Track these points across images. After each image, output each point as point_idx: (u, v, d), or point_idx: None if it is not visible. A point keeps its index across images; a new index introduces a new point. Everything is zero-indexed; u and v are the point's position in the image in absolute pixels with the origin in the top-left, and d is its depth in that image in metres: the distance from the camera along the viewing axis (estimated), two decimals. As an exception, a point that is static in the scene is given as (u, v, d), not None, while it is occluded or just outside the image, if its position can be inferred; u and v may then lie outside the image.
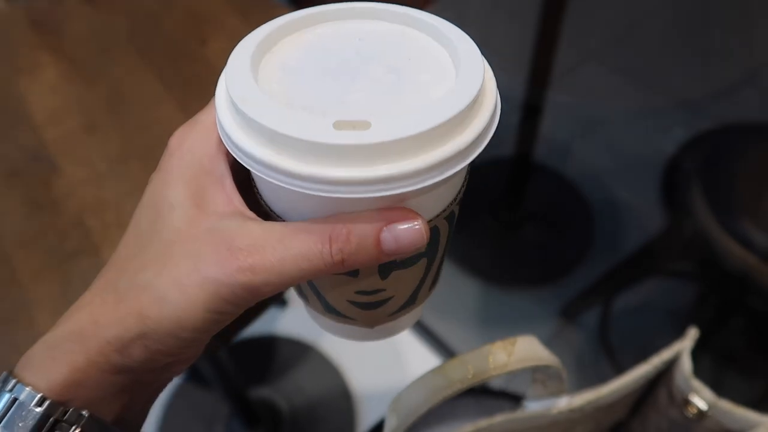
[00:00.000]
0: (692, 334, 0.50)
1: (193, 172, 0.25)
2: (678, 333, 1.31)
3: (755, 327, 1.10)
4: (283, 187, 0.23)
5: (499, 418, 0.47)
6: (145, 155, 0.65)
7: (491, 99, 0.25)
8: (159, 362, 0.25)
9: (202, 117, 0.27)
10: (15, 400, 0.23)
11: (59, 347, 0.24)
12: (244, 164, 0.24)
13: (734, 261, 0.92)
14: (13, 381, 0.23)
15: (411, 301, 0.30)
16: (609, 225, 1.38)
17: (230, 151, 0.24)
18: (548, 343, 1.24)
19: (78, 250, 0.57)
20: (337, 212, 0.24)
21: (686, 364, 0.49)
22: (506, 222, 1.41)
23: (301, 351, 1.22)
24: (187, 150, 0.26)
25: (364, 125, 0.22)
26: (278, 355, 1.23)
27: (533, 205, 1.43)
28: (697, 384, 0.48)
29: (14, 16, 0.78)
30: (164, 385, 0.28)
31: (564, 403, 0.48)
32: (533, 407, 0.48)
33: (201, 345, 0.26)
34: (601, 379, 0.49)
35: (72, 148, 0.66)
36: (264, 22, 0.27)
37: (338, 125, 0.22)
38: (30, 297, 0.54)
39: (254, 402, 1.16)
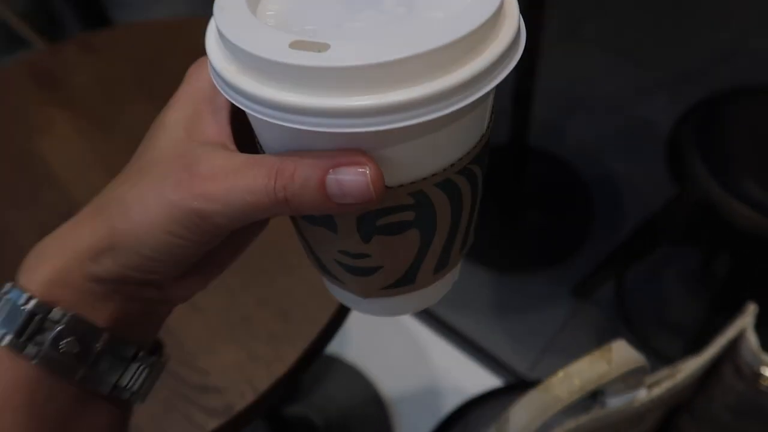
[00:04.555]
0: (751, 310, 0.52)
1: (195, 98, 0.25)
2: (692, 296, 1.34)
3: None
4: (250, 114, 0.22)
5: (584, 418, 0.49)
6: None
7: (503, 39, 0.21)
8: (131, 277, 0.25)
9: None
10: (8, 300, 0.24)
11: (45, 252, 0.25)
12: (212, 78, 0.23)
13: (740, 220, 0.95)
14: (10, 285, 0.25)
15: (408, 280, 0.27)
16: (609, 201, 1.41)
17: (208, 68, 0.23)
18: (566, 322, 1.27)
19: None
20: (300, 149, 0.22)
21: (752, 339, 0.50)
22: (508, 208, 1.43)
23: (328, 363, 1.23)
24: (197, 79, 0.26)
25: (323, 47, 0.19)
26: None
27: (532, 188, 1.46)
28: (767, 358, 0.50)
29: (16, 73, 0.77)
30: (159, 309, 0.28)
31: (644, 394, 0.49)
32: (615, 403, 0.49)
33: (170, 269, 0.25)
34: None
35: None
36: None
37: (296, 44, 0.20)
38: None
39: (289, 419, 1.16)
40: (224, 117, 0.25)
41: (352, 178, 0.21)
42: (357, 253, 0.25)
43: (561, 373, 0.38)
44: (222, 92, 0.22)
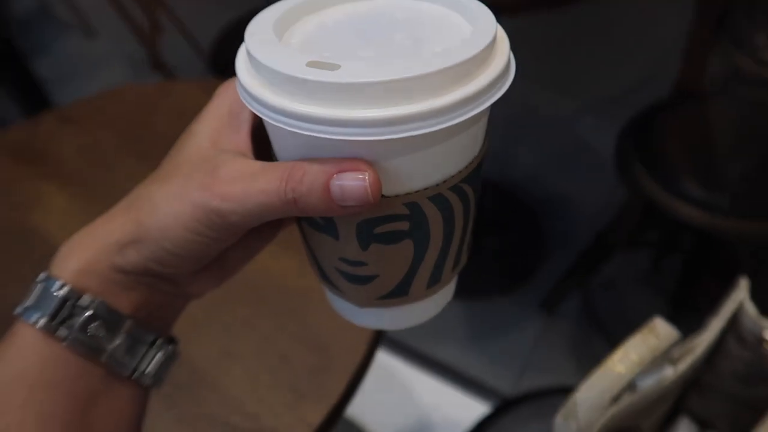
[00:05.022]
0: (744, 284, 0.58)
1: (222, 112, 0.29)
2: (651, 295, 1.42)
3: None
4: (268, 122, 0.24)
5: (624, 402, 0.52)
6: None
7: (494, 68, 0.24)
8: (153, 270, 0.27)
9: None
10: (43, 287, 0.27)
11: (77, 244, 0.28)
12: (239, 94, 0.26)
13: (683, 217, 1.04)
14: (45, 274, 0.27)
15: (402, 291, 0.29)
16: (558, 219, 1.49)
17: (236, 83, 0.26)
18: (539, 338, 1.32)
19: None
20: (309, 156, 0.25)
21: (751, 308, 0.56)
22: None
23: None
24: (225, 96, 0.29)
25: (334, 67, 0.23)
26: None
27: (486, 217, 1.52)
28: (767, 323, 0.55)
29: (-6, 152, 0.75)
30: (176, 301, 0.31)
31: (670, 372, 0.53)
32: (647, 383, 0.53)
33: (188, 264, 0.28)
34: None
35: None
36: None
37: (312, 64, 0.23)
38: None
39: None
40: (246, 130, 0.28)
41: (353, 183, 0.24)
42: (355, 260, 0.28)
43: (619, 352, 0.41)
44: (245, 103, 0.25)
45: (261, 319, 0.58)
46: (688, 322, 1.24)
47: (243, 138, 0.28)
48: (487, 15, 0.26)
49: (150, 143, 0.74)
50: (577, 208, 1.50)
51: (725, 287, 1.23)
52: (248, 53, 0.25)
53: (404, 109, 0.22)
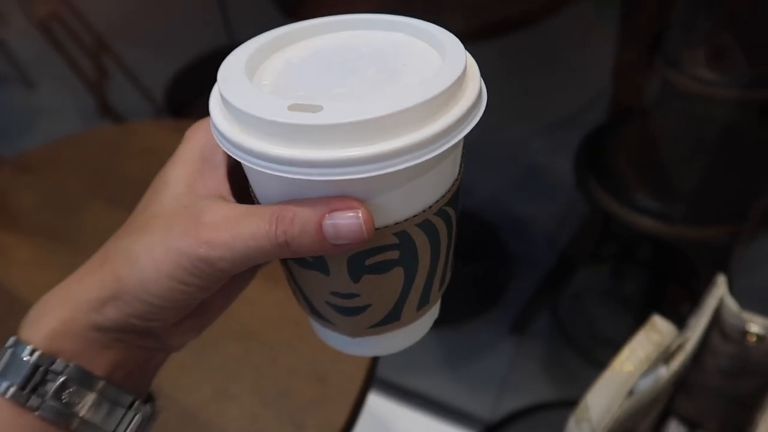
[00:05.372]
0: (722, 280, 0.60)
1: (194, 157, 0.28)
2: (616, 306, 1.45)
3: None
4: (250, 168, 0.24)
5: (624, 405, 0.53)
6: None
7: (462, 104, 0.24)
8: (134, 326, 0.26)
9: None
10: (12, 353, 0.25)
11: (50, 303, 0.26)
12: (217, 141, 0.25)
13: (639, 227, 1.08)
14: (14, 338, 0.26)
15: (394, 317, 0.29)
16: (521, 241, 1.52)
17: (212, 130, 0.26)
18: (513, 360, 1.32)
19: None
20: (295, 197, 0.25)
21: (731, 303, 0.58)
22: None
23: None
24: (195, 139, 0.28)
25: (316, 108, 0.23)
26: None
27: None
28: (748, 315, 0.57)
29: (-52, 205, 0.71)
30: (156, 356, 0.29)
31: (664, 371, 0.55)
32: (646, 383, 0.54)
33: (171, 315, 0.27)
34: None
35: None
36: None
37: (293, 107, 0.23)
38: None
39: None
40: (222, 173, 0.28)
41: (347, 221, 0.24)
42: (347, 293, 0.28)
43: (625, 351, 0.42)
44: (225, 149, 0.25)
45: (254, 355, 0.56)
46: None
47: (220, 181, 0.27)
48: (453, 41, 0.26)
49: (118, 186, 0.72)
50: (538, 228, 1.54)
51: (686, 293, 1.28)
52: (223, 99, 0.25)
53: (392, 143, 0.22)
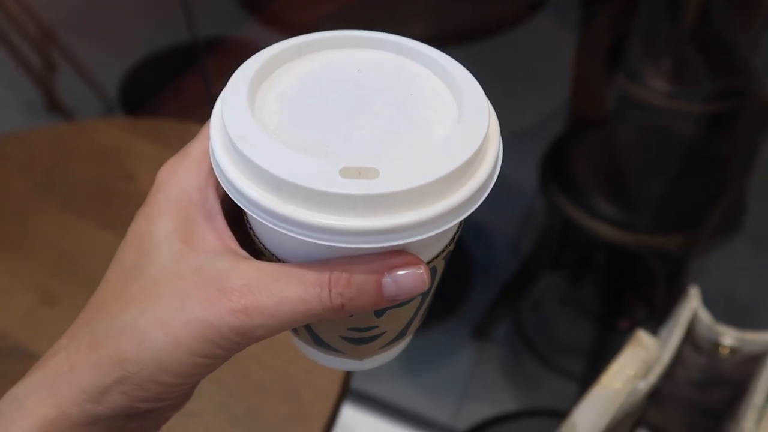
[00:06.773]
0: (695, 293, 0.60)
1: (180, 205, 0.24)
2: (576, 313, 1.47)
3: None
4: (285, 233, 0.22)
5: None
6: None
7: (495, 145, 0.25)
8: (139, 410, 0.23)
9: (193, 147, 0.25)
10: None
11: (30, 397, 0.22)
12: (243, 208, 0.23)
13: (600, 235, 1.10)
14: None
15: (402, 335, 0.30)
16: (482, 249, 1.52)
17: (230, 194, 0.23)
18: (474, 365, 1.32)
19: None
20: (337, 255, 0.23)
21: (705, 316, 0.58)
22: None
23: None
24: (176, 182, 0.24)
25: (372, 173, 0.22)
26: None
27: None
28: (721, 328, 0.58)
29: None
30: None
31: (643, 385, 0.54)
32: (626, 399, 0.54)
33: (186, 392, 0.25)
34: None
35: (37, 329, 0.57)
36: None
37: (345, 172, 0.21)
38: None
39: None
40: (221, 222, 0.24)
41: (411, 279, 0.23)
42: (367, 326, 0.27)
43: (614, 368, 0.41)
44: (256, 216, 0.22)
45: (220, 371, 0.53)
46: (611, 338, 1.28)
47: (221, 232, 0.24)
48: (464, 73, 0.26)
49: (69, 189, 0.68)
50: (500, 236, 1.54)
51: (641, 299, 1.30)
52: (244, 158, 0.22)
53: (448, 202, 0.22)
